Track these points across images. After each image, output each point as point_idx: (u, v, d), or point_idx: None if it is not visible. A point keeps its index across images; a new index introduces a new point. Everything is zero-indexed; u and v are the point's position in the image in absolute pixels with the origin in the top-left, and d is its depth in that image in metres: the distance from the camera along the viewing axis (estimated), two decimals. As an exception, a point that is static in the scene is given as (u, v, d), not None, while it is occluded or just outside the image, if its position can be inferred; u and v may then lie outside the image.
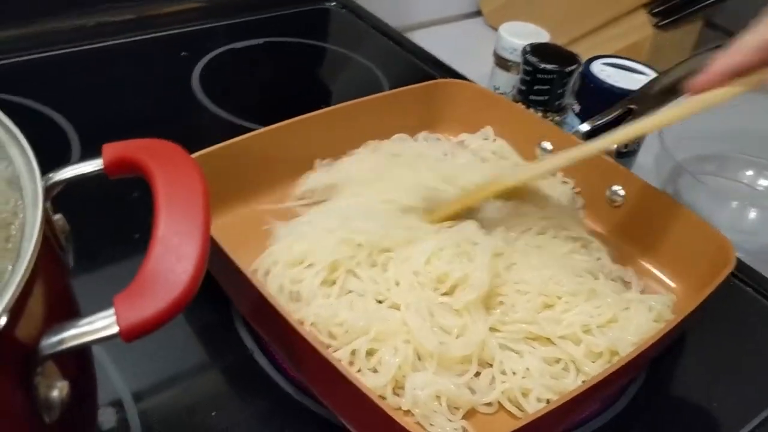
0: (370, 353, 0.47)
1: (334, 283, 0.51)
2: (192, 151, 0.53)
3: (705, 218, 0.68)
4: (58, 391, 0.29)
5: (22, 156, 0.33)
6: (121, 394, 0.46)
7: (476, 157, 0.67)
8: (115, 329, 0.28)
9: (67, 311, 0.34)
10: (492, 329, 0.49)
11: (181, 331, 0.51)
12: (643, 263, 0.60)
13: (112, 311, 0.28)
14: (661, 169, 0.77)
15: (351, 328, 0.47)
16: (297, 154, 0.62)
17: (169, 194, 0.31)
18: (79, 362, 0.34)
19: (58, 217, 0.37)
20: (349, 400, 0.42)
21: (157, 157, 0.34)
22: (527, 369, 0.47)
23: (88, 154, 0.64)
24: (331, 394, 0.44)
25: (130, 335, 0.28)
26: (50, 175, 0.35)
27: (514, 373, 0.47)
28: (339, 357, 0.46)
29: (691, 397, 0.52)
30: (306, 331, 0.42)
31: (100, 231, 0.55)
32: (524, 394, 0.46)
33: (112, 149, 0.36)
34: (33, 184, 0.32)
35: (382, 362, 0.45)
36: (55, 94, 0.71)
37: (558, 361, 0.48)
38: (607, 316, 0.49)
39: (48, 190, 0.35)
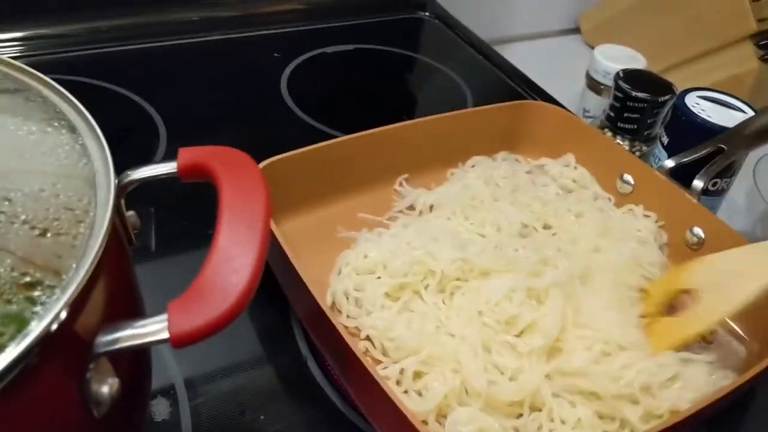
0: (418, 375, 0.46)
1: (398, 299, 0.51)
2: (270, 154, 0.56)
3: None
4: (109, 387, 0.30)
5: (99, 153, 0.34)
6: (175, 386, 0.47)
7: (559, 186, 0.66)
8: (165, 335, 0.29)
9: (129, 307, 0.35)
10: (547, 376, 0.47)
11: (243, 328, 0.53)
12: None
13: (165, 317, 0.29)
14: (753, 209, 0.74)
15: (403, 345, 0.47)
16: (375, 165, 0.62)
17: (232, 205, 0.32)
18: (134, 360, 0.35)
19: (130, 213, 0.38)
20: (391, 421, 0.42)
21: (227, 166, 0.34)
22: (579, 420, 0.45)
23: (172, 147, 0.67)
24: (374, 412, 0.44)
25: (179, 343, 0.29)
26: (127, 172, 0.37)
27: (563, 422, 0.45)
28: (387, 375, 0.46)
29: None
30: (355, 344, 0.42)
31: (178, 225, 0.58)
32: None
33: (187, 154, 0.37)
34: (107, 183, 0.33)
35: (428, 387, 0.45)
36: (150, 85, 0.73)
37: (613, 419, 0.46)
38: (669, 374, 0.46)
39: (122, 188, 0.37)
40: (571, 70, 0.92)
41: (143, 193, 0.36)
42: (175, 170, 0.36)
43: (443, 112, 0.65)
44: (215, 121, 0.71)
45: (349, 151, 0.60)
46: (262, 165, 0.54)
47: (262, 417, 0.47)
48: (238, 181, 0.34)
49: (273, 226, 0.50)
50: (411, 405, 0.43)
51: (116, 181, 0.33)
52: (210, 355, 0.50)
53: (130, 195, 0.36)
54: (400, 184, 0.64)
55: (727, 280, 0.50)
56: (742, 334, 0.55)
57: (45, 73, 0.37)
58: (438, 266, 0.51)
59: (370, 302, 0.50)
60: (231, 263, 0.30)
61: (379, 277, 0.52)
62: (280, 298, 0.52)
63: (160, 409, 0.46)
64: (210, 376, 0.49)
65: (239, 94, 0.76)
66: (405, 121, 0.64)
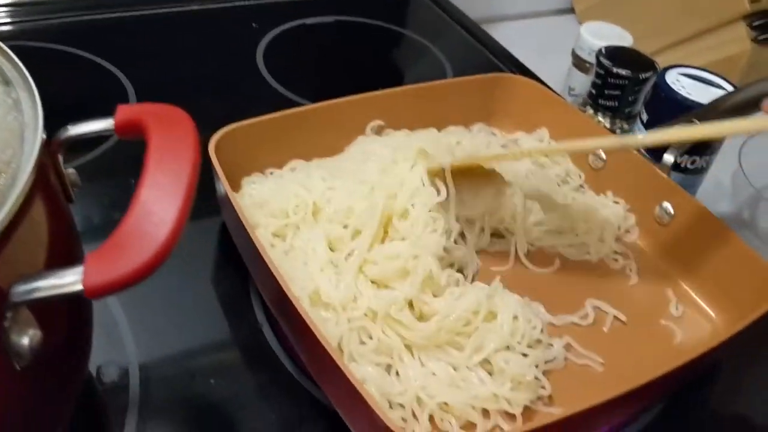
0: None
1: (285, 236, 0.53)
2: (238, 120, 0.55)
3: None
4: (29, 338, 0.30)
5: (32, 107, 0.34)
6: (126, 348, 0.47)
7: (532, 161, 0.65)
8: (79, 287, 0.28)
9: (60, 260, 0.34)
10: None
11: (203, 292, 0.53)
12: (684, 286, 0.57)
13: (81, 268, 0.29)
14: (738, 192, 0.73)
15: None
16: (345, 135, 0.62)
17: (159, 160, 0.32)
18: (67, 314, 0.35)
19: (70, 171, 0.38)
20: (340, 391, 0.41)
21: (160, 123, 0.34)
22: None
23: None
24: (323, 379, 0.44)
25: (93, 294, 0.28)
26: (64, 128, 0.37)
27: None
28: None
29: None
30: (305, 310, 0.42)
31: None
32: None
33: (125, 110, 0.36)
34: (34, 136, 0.33)
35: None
36: (125, 54, 0.73)
37: None
38: None
39: (59, 144, 0.36)
40: (562, 49, 0.91)
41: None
42: (111, 127, 0.36)
43: (420, 87, 0.65)
44: (189, 91, 0.70)
45: (317, 120, 0.59)
46: (223, 131, 0.54)
47: (212, 381, 0.47)
48: (169, 136, 0.33)
49: (232, 194, 0.49)
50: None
51: (44, 135, 0.33)
52: (164, 318, 0.50)
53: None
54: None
55: None
56: (710, 311, 0.55)
57: (20, 41, 0.37)
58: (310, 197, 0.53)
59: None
60: (151, 217, 0.30)
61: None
62: (242, 264, 0.52)
63: (109, 371, 0.46)
64: (163, 340, 0.49)
65: (214, 65, 0.75)
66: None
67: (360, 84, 0.67)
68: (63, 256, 0.35)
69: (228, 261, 0.54)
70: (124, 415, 0.44)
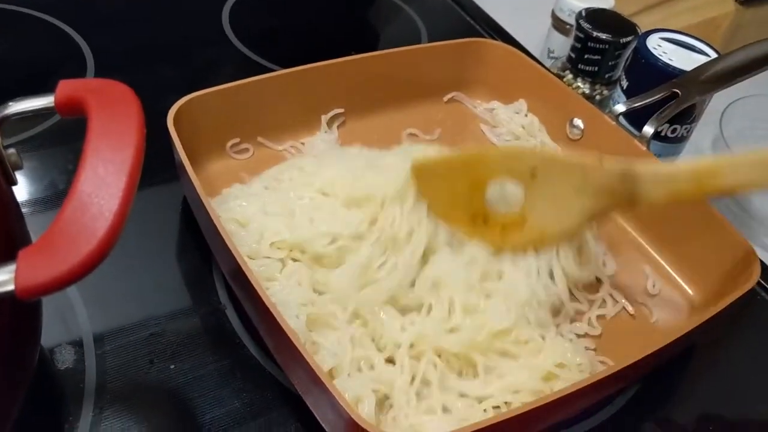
0: None
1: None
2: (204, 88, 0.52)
3: (759, 217, 0.63)
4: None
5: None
6: (82, 333, 0.45)
7: (507, 131, 0.63)
8: (10, 287, 0.26)
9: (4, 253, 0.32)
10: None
11: (163, 272, 0.50)
12: (663, 263, 0.55)
13: (14, 267, 0.27)
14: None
15: None
16: (310, 104, 0.59)
17: (98, 147, 0.29)
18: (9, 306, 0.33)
19: (11, 151, 0.36)
20: (300, 373, 0.40)
21: (102, 102, 0.31)
22: None
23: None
24: (287, 363, 0.43)
25: (26, 295, 0.26)
26: (5, 104, 0.34)
27: None
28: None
29: (681, 417, 0.48)
30: (269, 298, 0.40)
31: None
32: None
33: (66, 87, 0.34)
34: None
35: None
36: (80, 13, 0.69)
37: None
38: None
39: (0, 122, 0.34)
40: (542, 10, 0.88)
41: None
42: (52, 104, 0.34)
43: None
44: (149, 54, 0.67)
45: (280, 88, 0.57)
46: (183, 100, 0.51)
47: (172, 367, 0.45)
48: (111, 118, 0.31)
49: (191, 170, 0.47)
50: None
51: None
52: (122, 299, 0.48)
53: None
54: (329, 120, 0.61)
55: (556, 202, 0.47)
56: (687, 288, 0.54)
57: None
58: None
59: None
60: (89, 210, 0.28)
61: None
62: (205, 243, 0.50)
63: (64, 356, 0.44)
64: (120, 323, 0.47)
65: (177, 26, 0.72)
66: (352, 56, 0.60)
67: (333, 47, 0.64)
68: (5, 249, 0.32)
69: (192, 239, 0.52)
70: (80, 403, 0.42)
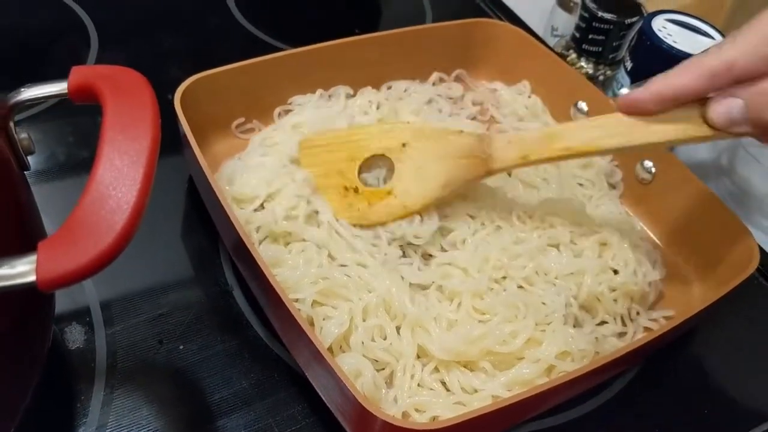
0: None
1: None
2: (208, 67, 0.52)
3: (758, 197, 0.63)
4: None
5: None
6: (92, 312, 0.46)
7: (510, 112, 0.64)
8: (32, 278, 0.27)
9: (19, 242, 0.32)
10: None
11: (172, 252, 0.51)
12: (664, 248, 0.56)
13: (34, 257, 0.27)
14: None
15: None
16: (317, 83, 0.59)
17: (115, 138, 0.29)
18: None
19: (23, 136, 0.36)
20: (305, 351, 0.40)
21: (116, 90, 0.31)
22: None
23: (104, 55, 0.63)
24: (291, 341, 0.43)
25: (47, 287, 0.27)
26: (17, 91, 0.34)
27: None
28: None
29: (683, 399, 0.49)
30: (275, 278, 0.40)
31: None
32: None
33: (79, 73, 0.34)
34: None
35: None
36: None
37: None
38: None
39: (9, 108, 0.34)
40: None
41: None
42: (65, 91, 0.34)
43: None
44: (152, 28, 0.66)
45: (288, 68, 0.56)
46: (189, 80, 0.51)
47: (181, 347, 0.45)
48: (126, 108, 0.31)
49: (197, 149, 0.47)
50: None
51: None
52: (131, 280, 0.48)
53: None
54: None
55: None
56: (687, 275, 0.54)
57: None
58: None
59: None
60: (107, 202, 0.28)
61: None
62: (212, 224, 0.50)
63: (74, 336, 0.45)
64: (130, 303, 0.47)
65: (181, 4, 0.71)
66: (357, 35, 0.60)
67: (337, 25, 0.64)
68: (19, 235, 0.33)
69: (198, 219, 0.52)
70: (91, 382, 0.43)
